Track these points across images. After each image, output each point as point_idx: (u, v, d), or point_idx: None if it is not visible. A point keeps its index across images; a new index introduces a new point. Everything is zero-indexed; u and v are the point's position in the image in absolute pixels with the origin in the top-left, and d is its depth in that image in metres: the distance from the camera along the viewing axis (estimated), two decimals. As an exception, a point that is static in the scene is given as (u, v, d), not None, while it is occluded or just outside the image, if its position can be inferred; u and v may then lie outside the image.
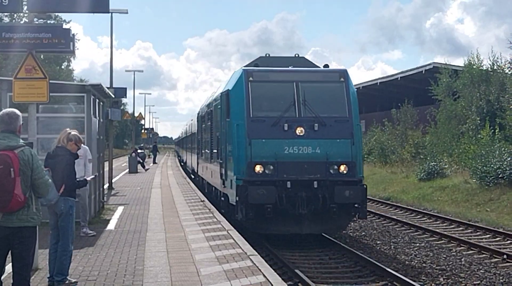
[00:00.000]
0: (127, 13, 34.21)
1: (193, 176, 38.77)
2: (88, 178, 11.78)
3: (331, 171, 16.86)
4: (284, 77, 17.86)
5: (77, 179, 10.35)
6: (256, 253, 12.40)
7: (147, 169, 50.10)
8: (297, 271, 14.26)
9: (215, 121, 21.44)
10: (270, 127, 16.90)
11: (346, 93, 17.60)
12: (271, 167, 16.68)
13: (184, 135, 56.98)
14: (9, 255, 7.61)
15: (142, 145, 75.13)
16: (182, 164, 62.52)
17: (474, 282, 14.50)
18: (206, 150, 24.92)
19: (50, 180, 7.89)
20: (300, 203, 16.55)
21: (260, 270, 10.79)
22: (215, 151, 20.88)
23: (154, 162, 65.16)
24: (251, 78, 17.49)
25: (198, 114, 31.59)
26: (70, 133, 10.15)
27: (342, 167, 16.94)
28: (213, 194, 23.51)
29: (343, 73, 17.95)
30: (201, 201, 23.45)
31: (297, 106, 17.18)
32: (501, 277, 14.95)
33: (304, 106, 17.18)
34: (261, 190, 16.22)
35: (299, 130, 16.89)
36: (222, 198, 19.51)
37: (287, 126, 16.87)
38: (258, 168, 16.69)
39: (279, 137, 16.85)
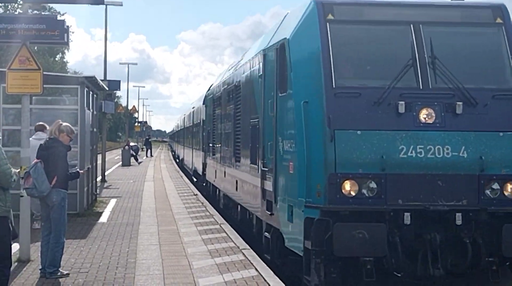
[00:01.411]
0: (121, 5, 34.11)
1: (195, 179, 30.61)
2: (81, 171, 11.74)
3: (489, 192, 9.19)
4: (393, 14, 10.04)
5: (70, 171, 10.33)
6: (249, 247, 12.40)
7: (140, 162, 50.03)
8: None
9: (247, 101, 13.33)
10: (370, 108, 9.26)
11: (508, 45, 9.81)
12: (374, 185, 9.04)
13: (181, 127, 48.72)
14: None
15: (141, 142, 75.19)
16: (177, 160, 54.72)
17: None
18: (224, 147, 16.84)
19: (10, 170, 7.82)
20: (430, 256, 8.93)
21: (252, 264, 10.79)
22: (247, 149, 12.98)
23: (151, 155, 65.44)
24: (331, 16, 9.72)
25: (206, 97, 24.05)
26: (61, 124, 10.12)
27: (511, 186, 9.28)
28: (240, 215, 15.51)
29: (501, 10, 10.04)
30: (194, 194, 23.45)
31: (419, 68, 9.49)
32: None
33: (433, 70, 9.51)
34: (359, 231, 8.68)
35: (426, 114, 9.27)
36: (266, 233, 11.60)
37: (404, 106, 9.21)
38: (348, 186, 9.03)
39: (388, 126, 9.23)
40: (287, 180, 9.89)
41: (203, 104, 25.25)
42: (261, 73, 11.51)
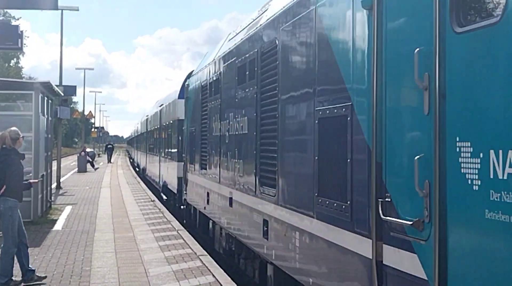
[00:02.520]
0: (77, 10, 33.71)
1: (165, 197, 24.84)
2: (32, 181, 11.48)
3: None
4: None
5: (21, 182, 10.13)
6: (206, 253, 12.34)
7: (97, 168, 49.48)
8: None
9: (312, 70, 6.85)
10: None
11: None
12: None
13: (143, 130, 42.34)
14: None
15: (111, 143, 74.88)
16: (137, 169, 49.32)
17: None
18: (234, 159, 10.67)
19: None
20: None
21: (209, 270, 10.73)
22: (307, 166, 6.88)
23: (110, 162, 65.09)
24: None
25: (187, 87, 17.15)
26: (9, 135, 9.88)
27: None
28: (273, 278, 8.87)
29: None
30: (151, 200, 23.26)
31: None
32: None
33: None
34: None
35: None
36: None
37: None
38: None
39: None
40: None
41: (181, 98, 20.02)
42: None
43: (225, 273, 10.52)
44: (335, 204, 5.94)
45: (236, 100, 10.49)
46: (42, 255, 12.33)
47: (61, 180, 31.12)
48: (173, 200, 22.05)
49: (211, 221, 13.66)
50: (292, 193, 7.39)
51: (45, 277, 10.04)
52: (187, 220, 17.72)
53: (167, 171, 24.27)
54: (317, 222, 6.43)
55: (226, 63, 11.58)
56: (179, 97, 20.72)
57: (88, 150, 52.05)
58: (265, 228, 8.50)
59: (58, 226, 16.51)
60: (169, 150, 23.77)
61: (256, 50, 9.31)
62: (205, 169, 13.38)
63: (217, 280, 9.99)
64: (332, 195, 6.04)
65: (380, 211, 4.98)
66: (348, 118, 5.65)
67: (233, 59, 10.95)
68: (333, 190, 6.02)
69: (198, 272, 10.64)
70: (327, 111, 6.24)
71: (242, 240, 10.14)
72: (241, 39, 10.56)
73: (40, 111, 16.71)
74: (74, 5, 33.69)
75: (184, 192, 17.39)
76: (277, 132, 7.94)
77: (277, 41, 8.16)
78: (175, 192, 20.76)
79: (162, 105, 28.48)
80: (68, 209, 20.51)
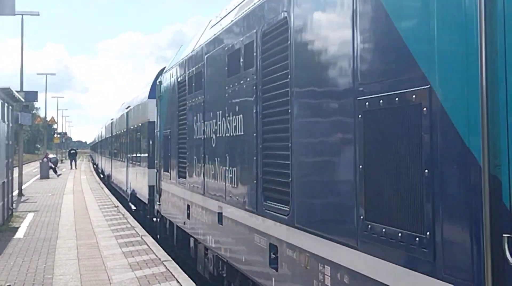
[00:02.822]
0: (38, 15, 33.36)
1: (134, 207, 21.95)
2: None
3: None
4: None
5: None
6: (170, 259, 12.28)
7: (59, 174, 48.93)
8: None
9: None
10: None
11: None
12: None
13: (108, 135, 39.78)
14: None
15: (74, 148, 74.13)
16: (101, 175, 46.28)
17: None
18: (221, 165, 8.90)
19: None
20: None
21: (173, 275, 10.69)
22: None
23: (75, 167, 64.44)
24: None
25: (160, 85, 14.81)
26: None
27: None
28: None
29: None
30: (115, 206, 23.08)
31: None
32: None
33: None
34: None
35: None
36: None
37: None
38: None
39: None
40: None
41: (151, 97, 17.83)
42: None
43: (189, 278, 10.47)
44: (400, 235, 4.05)
45: (226, 95, 8.41)
46: (4, 263, 12.14)
47: (23, 187, 30.69)
48: (143, 211, 19.95)
49: (192, 239, 11.32)
50: (317, 212, 5.51)
51: None
52: (161, 235, 15.02)
53: (135, 179, 21.87)
54: (365, 257, 4.54)
55: (211, 52, 9.46)
56: (149, 97, 18.65)
57: (50, 156, 51.45)
58: (273, 255, 6.54)
59: (20, 233, 16.28)
60: (138, 155, 21.44)
61: (255, 30, 7.29)
62: (184, 177, 11.26)
63: (181, 285, 9.95)
64: (393, 220, 4.17)
65: (508, 254, 3.17)
66: (424, 109, 3.81)
67: (221, 46, 8.89)
68: (395, 214, 4.16)
69: (162, 278, 10.59)
70: (381, 101, 4.31)
71: (237, 265, 8.05)
72: (232, 20, 8.52)
73: (0, 117, 16.47)
74: (34, 10, 33.38)
75: (157, 203, 14.70)
76: (290, 132, 6.04)
77: (288, 15, 6.18)
78: (146, 201, 18.51)
79: (129, 107, 25.81)
80: (30, 216, 20.23)
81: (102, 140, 48.48)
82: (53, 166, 48.33)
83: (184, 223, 11.40)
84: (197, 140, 10.29)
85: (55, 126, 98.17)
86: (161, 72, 16.37)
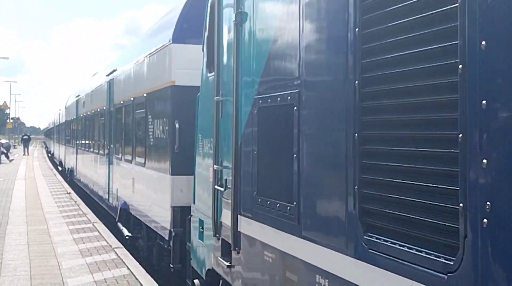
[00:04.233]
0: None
1: (128, 233, 12.92)
2: None
3: None
4: None
5: None
6: (121, 246, 12.27)
7: (12, 160, 48.22)
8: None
9: None
10: None
11: None
12: None
13: (72, 117, 29.51)
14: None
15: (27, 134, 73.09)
16: (59, 168, 38.79)
17: None
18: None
19: None
20: None
21: (124, 262, 10.69)
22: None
23: (27, 153, 63.44)
24: None
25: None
26: None
27: None
28: None
29: None
30: (67, 193, 22.88)
31: None
32: None
33: None
34: None
35: None
36: None
37: None
38: None
39: None
40: None
41: (179, 40, 10.22)
42: None
43: (139, 265, 10.49)
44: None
45: None
46: (-49, 248, 11.99)
47: (-27, 172, 30.22)
48: (158, 250, 11.19)
49: None
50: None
51: None
52: None
53: (132, 187, 13.12)
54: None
55: None
56: (175, 40, 10.22)
57: (3, 141, 50.68)
58: None
59: (-32, 218, 16.06)
60: (140, 149, 12.55)
61: None
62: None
63: (131, 272, 9.96)
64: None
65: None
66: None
67: None
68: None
69: (112, 264, 10.58)
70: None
71: None
72: None
73: (-50, 100, 15.91)
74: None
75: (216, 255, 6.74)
76: None
77: None
78: (165, 235, 10.15)
79: (116, 69, 16.24)
80: (-21, 201, 19.96)
81: (61, 124, 38.91)
82: (5, 152, 47.61)
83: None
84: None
85: (7, 111, 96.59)
86: None
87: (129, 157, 13.46)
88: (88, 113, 22.04)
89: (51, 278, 9.60)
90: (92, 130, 20.99)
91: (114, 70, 16.32)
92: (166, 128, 10.23)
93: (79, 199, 20.74)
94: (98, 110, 19.11)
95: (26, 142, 67.65)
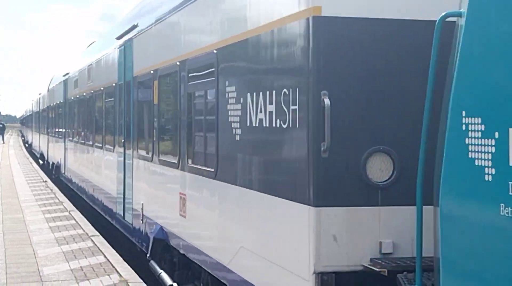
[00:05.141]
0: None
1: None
2: None
3: None
4: None
5: None
6: (98, 234, 12.21)
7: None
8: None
9: None
10: None
11: None
12: None
13: (56, 102, 25.49)
14: None
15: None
16: (41, 162, 33.68)
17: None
18: None
19: None
20: None
21: (101, 250, 10.63)
22: None
23: (3, 142, 62.88)
24: None
25: None
26: None
27: None
28: None
29: None
30: (43, 181, 22.71)
31: None
32: None
33: None
34: None
35: None
36: None
37: None
38: None
39: None
40: None
41: None
42: None
43: (116, 253, 10.45)
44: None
45: None
46: None
47: None
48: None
49: None
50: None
51: None
52: None
53: (192, 213, 7.68)
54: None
55: None
56: None
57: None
58: None
59: None
60: (229, 152, 6.47)
61: None
62: None
63: (108, 260, 9.92)
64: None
65: None
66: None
67: None
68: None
69: (89, 252, 10.52)
70: None
71: None
72: None
73: None
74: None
75: None
76: None
77: None
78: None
79: (137, 25, 10.95)
80: (-46, 190, 19.75)
81: (42, 110, 34.19)
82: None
83: None
84: None
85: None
86: None
87: (175, 160, 8.13)
88: (84, 94, 16.97)
89: (27, 267, 9.52)
90: (89, 117, 16.08)
91: (135, 26, 10.93)
92: (294, 107, 4.99)
93: (55, 187, 20.60)
94: (102, 89, 14.08)
95: (1, 131, 67.09)
